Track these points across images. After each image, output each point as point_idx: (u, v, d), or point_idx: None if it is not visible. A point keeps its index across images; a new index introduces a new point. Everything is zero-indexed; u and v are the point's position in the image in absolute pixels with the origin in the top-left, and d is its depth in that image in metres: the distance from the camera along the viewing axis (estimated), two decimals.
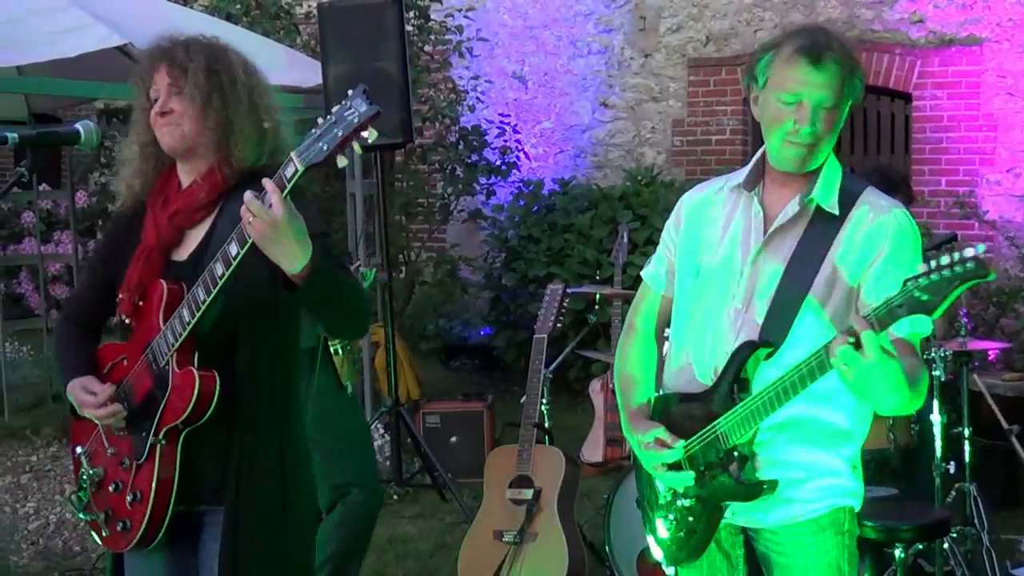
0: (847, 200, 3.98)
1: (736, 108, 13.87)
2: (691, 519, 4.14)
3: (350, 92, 3.61)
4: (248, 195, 3.58)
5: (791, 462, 4.03)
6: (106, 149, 3.96)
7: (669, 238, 4.36)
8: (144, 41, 8.55)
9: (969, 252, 3.28)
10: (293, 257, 3.63)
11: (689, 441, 4.03)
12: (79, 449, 4.22)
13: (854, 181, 4.06)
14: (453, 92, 13.52)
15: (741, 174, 4.16)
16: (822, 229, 3.99)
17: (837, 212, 3.96)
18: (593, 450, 10.11)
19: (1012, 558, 7.56)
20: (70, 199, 13.01)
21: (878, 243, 3.92)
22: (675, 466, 4.06)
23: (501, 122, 14.05)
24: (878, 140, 13.30)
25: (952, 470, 6.80)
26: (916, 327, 3.77)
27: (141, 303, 4.03)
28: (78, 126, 4.17)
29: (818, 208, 3.98)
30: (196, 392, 3.86)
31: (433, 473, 9.51)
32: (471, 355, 14.16)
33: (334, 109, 3.60)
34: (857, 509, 4.14)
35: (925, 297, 3.36)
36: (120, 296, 4.07)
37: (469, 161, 13.46)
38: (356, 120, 3.55)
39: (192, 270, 3.96)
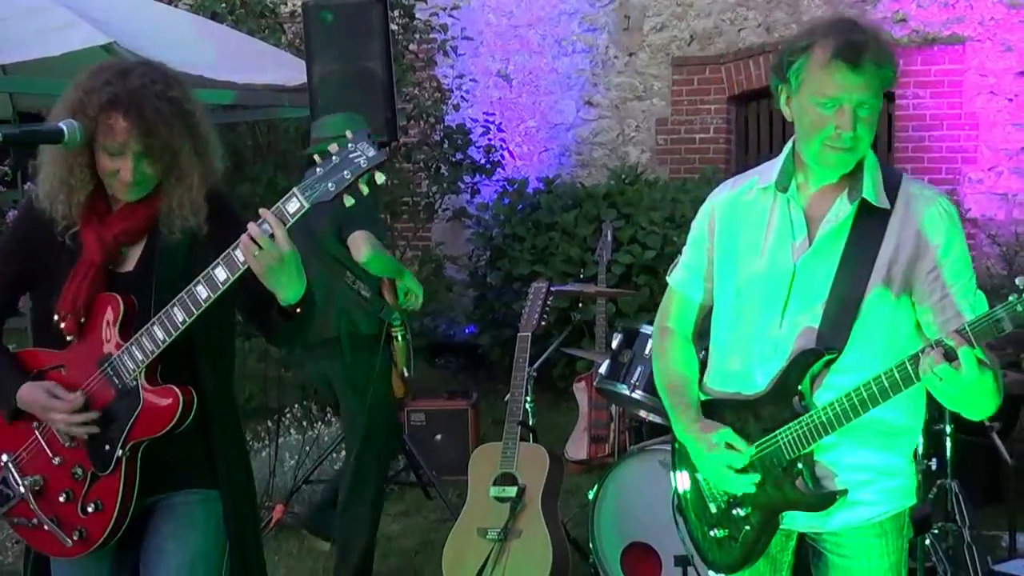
0: (890, 192, 3.94)
1: (720, 106, 13.91)
2: (747, 528, 4.11)
3: (350, 134, 3.72)
4: (254, 228, 3.69)
5: (857, 464, 3.99)
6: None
7: (704, 241, 4.30)
8: (129, 40, 8.59)
9: None
10: (291, 287, 3.82)
11: (757, 446, 4.00)
12: (4, 457, 4.20)
13: (892, 173, 4.02)
14: (438, 91, 13.55)
15: (771, 173, 4.10)
16: (871, 225, 3.93)
17: (888, 206, 3.92)
18: (577, 447, 10.14)
19: (993, 554, 7.57)
20: None
21: (931, 236, 3.86)
22: (742, 471, 4.02)
23: (486, 121, 14.11)
24: None
25: (934, 467, 6.80)
26: None
27: (86, 319, 4.06)
28: (61, 124, 4.15)
29: (863, 202, 3.92)
30: (179, 409, 3.98)
31: (418, 471, 9.49)
32: (456, 353, 14.20)
33: (336, 149, 3.70)
34: (913, 504, 4.12)
35: None
36: (60, 313, 4.06)
37: (454, 160, 13.50)
38: (364, 164, 3.67)
39: (142, 280, 4.08)
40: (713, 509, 4.19)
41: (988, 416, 3.83)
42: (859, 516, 4.03)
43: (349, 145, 3.68)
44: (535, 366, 7.49)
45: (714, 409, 4.15)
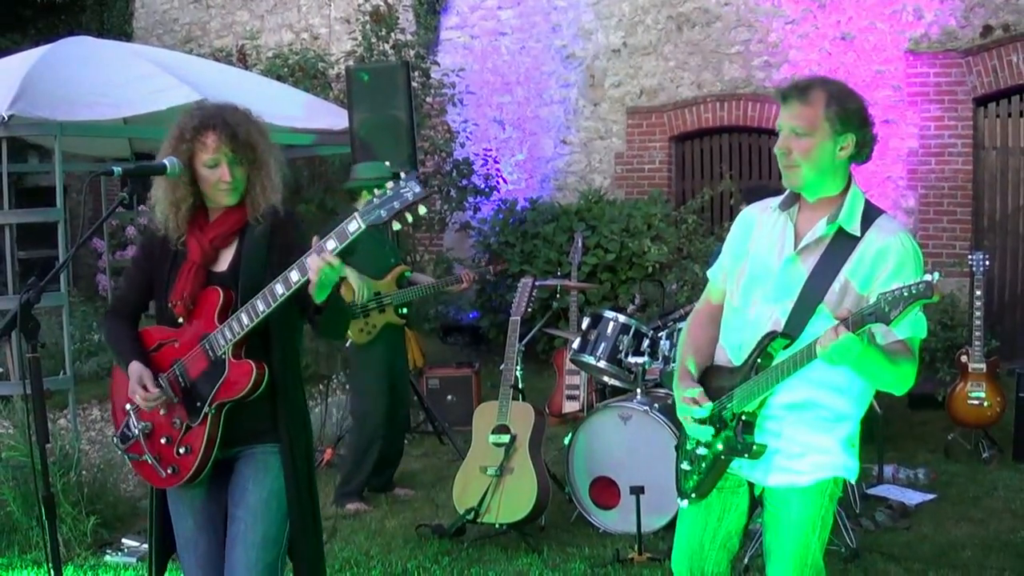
0: (866, 223, 3.88)
1: (663, 144, 13.90)
2: (703, 466, 4.10)
3: (403, 175, 3.77)
4: (323, 249, 3.78)
5: (793, 438, 3.97)
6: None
7: (728, 244, 4.28)
8: (217, 97, 8.61)
9: (927, 277, 3.30)
10: (323, 291, 3.87)
11: (714, 404, 4.00)
12: (128, 406, 4.27)
13: (872, 208, 3.94)
14: (448, 132, 13.52)
15: (781, 198, 4.10)
16: (841, 247, 3.88)
17: (859, 234, 3.87)
18: (556, 405, 10.14)
19: (866, 481, 7.65)
20: None
21: (884, 261, 3.81)
22: (702, 421, 4.03)
23: (485, 155, 14.06)
24: (769, 168, 13.30)
25: None
26: (915, 331, 3.79)
27: (192, 306, 4.12)
28: (165, 161, 4.20)
29: (840, 229, 3.89)
30: (252, 380, 4.04)
31: (434, 423, 9.54)
32: (462, 333, 14.15)
33: (390, 185, 3.73)
34: (851, 479, 4.08)
35: (887, 309, 3.37)
36: (173, 302, 4.15)
37: (460, 185, 13.48)
38: (411, 198, 3.71)
39: (232, 277, 4.15)
40: (688, 447, 4.19)
41: (906, 391, 3.87)
42: (791, 480, 4.00)
43: (401, 182, 3.72)
44: (523, 342, 7.49)
45: (708, 373, 4.14)
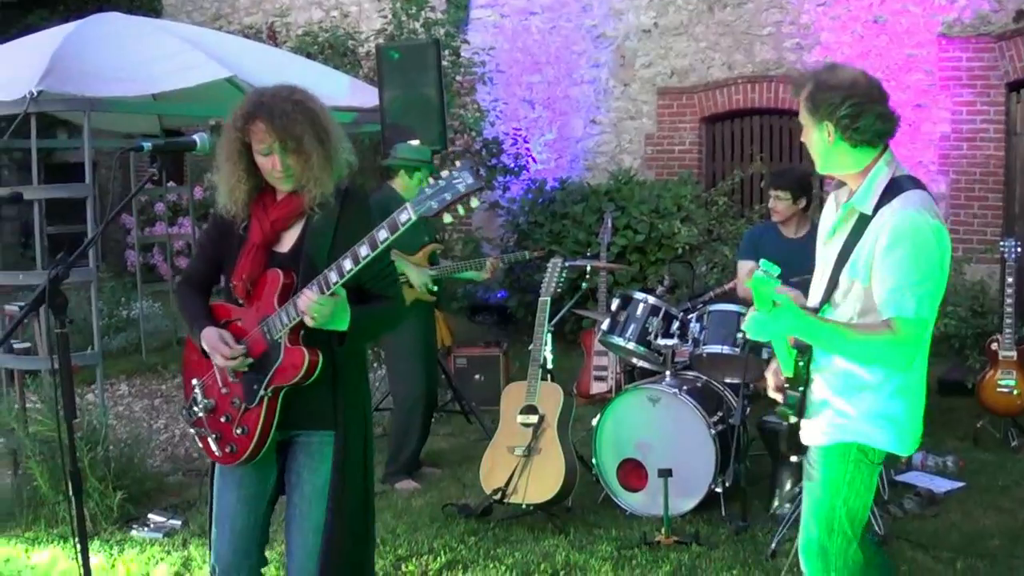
0: (883, 203, 3.98)
1: (693, 125, 13.85)
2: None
3: (458, 164, 3.74)
4: (308, 289, 3.91)
5: (816, 398, 4.15)
6: (216, 155, 4.02)
7: None
8: (246, 74, 8.62)
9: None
10: (337, 322, 4.02)
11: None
12: (195, 381, 4.30)
13: (898, 186, 4.01)
14: (478, 111, 13.47)
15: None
16: (859, 226, 4.01)
17: (871, 212, 3.98)
18: (584, 385, 10.12)
19: (895, 467, 7.61)
20: (189, 193, 13.03)
21: (882, 235, 3.90)
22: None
23: (514, 134, 14.04)
24: (800, 151, 13.21)
25: None
26: (898, 311, 3.87)
27: (251, 287, 4.13)
28: (195, 137, 4.21)
29: (858, 209, 4.04)
30: (305, 367, 4.02)
31: (461, 402, 9.54)
32: (490, 312, 14.14)
33: (443, 174, 3.72)
34: (880, 447, 4.10)
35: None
36: (234, 283, 4.16)
37: (490, 164, 13.45)
38: (463, 189, 3.69)
39: (292, 259, 4.13)
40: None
41: (862, 362, 4.02)
42: (813, 438, 4.17)
43: (454, 173, 3.69)
44: (552, 323, 7.47)
45: None
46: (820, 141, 4.06)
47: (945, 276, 3.93)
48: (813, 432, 4.16)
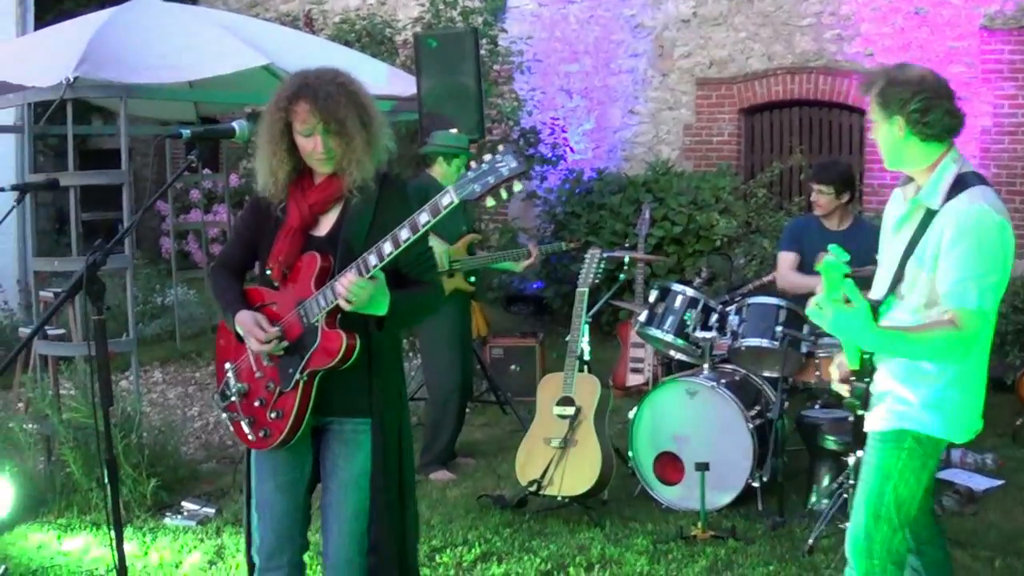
0: (949, 198, 4.06)
1: (732, 116, 13.77)
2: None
3: (501, 147, 3.67)
4: (343, 275, 3.89)
5: (878, 385, 4.24)
6: (252, 143, 4.00)
7: None
8: (283, 62, 8.61)
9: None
10: (376, 306, 3.98)
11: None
12: (228, 365, 4.29)
13: (965, 181, 4.09)
14: (515, 100, 13.44)
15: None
16: (925, 220, 4.09)
17: (937, 207, 4.07)
18: (620, 377, 10.10)
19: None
20: (225, 180, 13.07)
21: (947, 230, 3.99)
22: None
23: (552, 124, 14.01)
24: (840, 144, 13.19)
25: None
26: (960, 303, 3.96)
27: (288, 271, 4.10)
28: (234, 124, 4.20)
29: (925, 204, 4.13)
30: (342, 350, 3.98)
31: (496, 392, 9.52)
32: (527, 303, 14.14)
33: (487, 157, 3.66)
34: (935, 435, 4.17)
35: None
36: (270, 265, 4.14)
37: (527, 154, 13.40)
38: (506, 173, 3.62)
39: (330, 243, 4.10)
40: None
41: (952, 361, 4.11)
42: (871, 424, 4.27)
43: (497, 156, 3.63)
44: (589, 314, 7.44)
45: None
46: (890, 136, 4.13)
47: (1008, 271, 4.02)
48: (873, 419, 4.24)
